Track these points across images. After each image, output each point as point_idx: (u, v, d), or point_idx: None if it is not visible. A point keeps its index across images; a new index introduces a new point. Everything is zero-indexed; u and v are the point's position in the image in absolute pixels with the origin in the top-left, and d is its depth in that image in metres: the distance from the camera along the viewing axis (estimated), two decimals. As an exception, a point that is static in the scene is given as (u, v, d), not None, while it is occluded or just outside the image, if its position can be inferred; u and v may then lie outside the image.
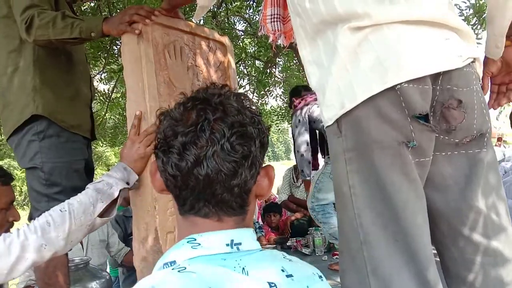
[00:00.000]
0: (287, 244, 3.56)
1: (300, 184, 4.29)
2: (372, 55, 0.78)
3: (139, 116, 1.32)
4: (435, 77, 0.78)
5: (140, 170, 1.30)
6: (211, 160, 0.55)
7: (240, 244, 0.58)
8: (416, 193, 0.80)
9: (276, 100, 6.24)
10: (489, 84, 0.99)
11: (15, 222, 1.30)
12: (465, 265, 0.86)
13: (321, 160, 2.97)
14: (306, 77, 4.09)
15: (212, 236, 0.57)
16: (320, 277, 0.64)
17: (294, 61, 5.93)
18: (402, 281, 0.78)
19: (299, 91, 2.81)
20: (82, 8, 3.14)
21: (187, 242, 0.57)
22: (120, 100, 4.56)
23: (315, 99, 2.53)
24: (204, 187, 0.56)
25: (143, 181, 1.32)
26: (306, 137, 2.62)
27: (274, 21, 1.11)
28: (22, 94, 1.50)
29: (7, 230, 1.27)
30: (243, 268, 0.55)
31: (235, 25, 5.04)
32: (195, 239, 0.57)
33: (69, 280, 1.53)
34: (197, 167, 0.55)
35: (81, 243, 2.54)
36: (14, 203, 1.31)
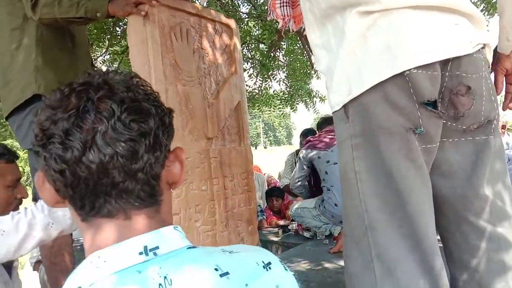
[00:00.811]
0: (288, 227, 3.60)
1: (302, 169, 4.31)
2: (381, 40, 0.78)
3: (144, 99, 1.32)
4: (444, 63, 0.78)
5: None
6: (102, 143, 0.46)
7: (157, 248, 0.49)
8: (422, 180, 0.80)
9: (279, 84, 6.20)
10: (504, 83, 0.95)
11: (23, 200, 1.32)
12: (469, 250, 0.87)
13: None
14: (309, 61, 4.09)
15: (118, 248, 0.48)
16: (267, 265, 0.55)
17: (298, 45, 5.87)
18: (406, 266, 0.79)
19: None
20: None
21: (90, 262, 0.49)
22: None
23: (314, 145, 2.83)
24: (99, 177, 0.47)
25: (149, 163, 1.33)
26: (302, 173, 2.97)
27: (283, 6, 1.09)
28: (24, 72, 1.50)
29: (16, 207, 1.29)
30: (165, 277, 0.46)
31: (239, 7, 4.97)
32: (99, 256, 0.48)
33: (74, 259, 1.56)
34: (86, 154, 0.46)
35: None
36: None
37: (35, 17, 1.40)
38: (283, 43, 5.56)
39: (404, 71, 0.75)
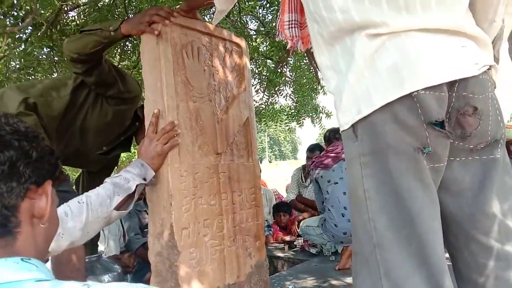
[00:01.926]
0: (294, 243, 3.58)
1: (309, 184, 4.31)
2: (389, 61, 0.80)
3: (157, 115, 1.35)
4: (451, 84, 0.80)
5: (157, 167, 1.34)
6: None
7: None
8: (431, 199, 0.82)
9: (285, 100, 6.24)
10: None
11: None
12: (477, 268, 0.88)
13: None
14: (315, 77, 4.14)
15: None
16: None
17: (305, 61, 5.93)
18: (414, 284, 0.80)
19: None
20: (99, 5, 3.19)
21: None
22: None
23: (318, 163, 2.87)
24: None
25: (159, 178, 1.35)
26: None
27: (291, 27, 1.13)
28: (17, 95, 1.59)
29: None
30: None
31: (247, 24, 5.06)
32: None
33: (85, 272, 1.58)
34: None
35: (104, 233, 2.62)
36: None
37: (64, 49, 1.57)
38: (290, 59, 5.63)
39: (412, 92, 0.77)
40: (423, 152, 0.79)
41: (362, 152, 0.85)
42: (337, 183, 2.68)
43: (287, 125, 6.13)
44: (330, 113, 6.03)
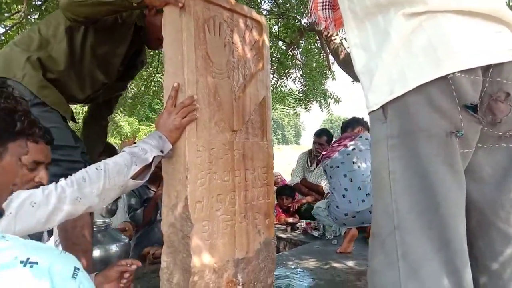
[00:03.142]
0: (297, 225, 3.63)
1: (314, 169, 4.33)
2: (425, 43, 0.80)
3: (176, 88, 1.35)
4: (486, 68, 0.79)
5: (175, 140, 1.34)
6: None
7: None
8: (459, 184, 0.82)
9: (294, 83, 6.20)
10: None
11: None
12: (494, 256, 0.89)
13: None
14: (326, 61, 4.10)
15: None
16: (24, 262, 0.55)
17: (316, 44, 5.86)
18: (431, 267, 0.81)
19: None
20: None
21: None
22: (142, 71, 4.59)
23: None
24: None
25: (176, 151, 1.36)
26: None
27: (325, 8, 1.12)
28: (25, 50, 1.58)
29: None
30: None
31: (261, 4, 4.99)
32: None
33: (93, 239, 1.61)
34: None
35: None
36: None
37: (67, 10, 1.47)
38: (301, 42, 5.57)
39: (448, 74, 0.77)
40: (456, 136, 0.79)
41: (390, 134, 0.85)
42: (338, 167, 2.78)
43: (294, 109, 6.10)
44: (339, 98, 6.00)
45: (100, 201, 1.19)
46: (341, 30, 4.41)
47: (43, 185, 1.19)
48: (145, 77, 4.64)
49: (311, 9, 1.15)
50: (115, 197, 1.25)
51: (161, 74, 5.02)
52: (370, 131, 0.94)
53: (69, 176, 1.17)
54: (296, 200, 4.15)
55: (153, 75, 4.73)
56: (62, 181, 1.16)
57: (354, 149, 2.81)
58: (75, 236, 1.55)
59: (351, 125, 3.19)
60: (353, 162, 2.74)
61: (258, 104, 1.63)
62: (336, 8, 1.12)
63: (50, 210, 1.09)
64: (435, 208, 0.82)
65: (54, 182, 1.15)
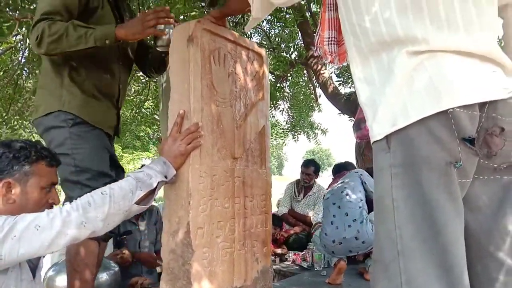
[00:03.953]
0: (285, 256, 3.60)
1: (301, 199, 4.36)
2: (426, 79, 0.86)
3: (182, 115, 1.39)
4: (482, 105, 0.86)
5: (179, 166, 1.37)
6: None
7: None
8: (458, 212, 0.87)
9: (282, 114, 6.34)
10: None
11: (54, 206, 1.35)
12: (490, 283, 0.93)
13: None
14: (313, 94, 4.26)
15: None
16: None
17: (304, 78, 6.06)
18: None
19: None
20: None
21: None
22: (133, 98, 4.62)
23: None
24: None
25: (180, 177, 1.38)
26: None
27: (331, 43, 1.19)
28: (53, 83, 1.57)
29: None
30: None
31: (251, 37, 5.16)
32: None
33: (96, 269, 1.57)
34: None
35: None
36: None
37: (41, 52, 1.44)
38: (289, 75, 5.75)
39: (448, 109, 0.83)
40: (455, 166, 0.85)
41: (393, 163, 0.90)
42: (328, 198, 2.86)
43: (283, 139, 6.20)
44: (326, 130, 6.15)
45: (104, 226, 1.18)
46: (329, 66, 4.59)
47: (56, 205, 1.20)
48: (136, 104, 4.66)
49: (317, 44, 1.23)
50: (119, 222, 1.25)
51: (151, 101, 5.07)
52: (374, 160, 0.99)
53: (74, 200, 1.17)
54: (284, 230, 4.14)
55: (143, 102, 4.77)
56: (67, 205, 1.16)
57: (343, 182, 2.93)
58: (77, 263, 1.52)
59: (344, 169, 3.40)
60: (341, 192, 2.82)
61: (258, 133, 1.68)
62: (340, 43, 1.20)
63: (54, 234, 1.09)
64: (437, 235, 0.86)
65: (59, 206, 1.15)
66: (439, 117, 0.84)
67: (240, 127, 1.59)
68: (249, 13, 1.28)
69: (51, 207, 1.34)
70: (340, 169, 3.46)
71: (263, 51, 1.76)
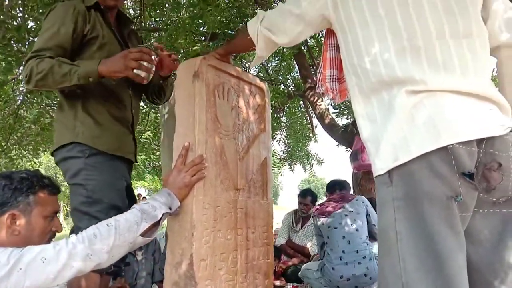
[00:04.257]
0: (284, 288, 3.54)
1: (299, 229, 4.33)
2: (426, 117, 0.91)
3: (187, 147, 1.42)
4: (480, 141, 0.91)
5: (183, 198, 1.38)
6: None
7: None
8: (460, 245, 0.89)
9: (278, 144, 6.40)
10: None
11: (57, 233, 1.35)
12: None
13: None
14: (310, 125, 4.32)
15: None
16: None
17: (300, 108, 6.17)
18: None
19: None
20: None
21: None
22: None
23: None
24: None
25: (183, 208, 1.40)
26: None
27: (332, 81, 1.25)
28: (67, 116, 1.60)
29: (49, 240, 1.32)
30: None
31: (249, 70, 5.30)
32: None
33: None
34: None
35: None
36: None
37: (30, 87, 1.51)
38: (285, 106, 5.86)
39: (447, 145, 0.87)
40: (456, 200, 0.88)
41: (396, 197, 0.93)
42: (336, 227, 2.78)
43: (279, 169, 6.23)
44: (322, 160, 6.20)
45: (109, 258, 1.19)
46: (326, 98, 4.69)
47: (59, 232, 1.21)
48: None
49: (318, 81, 1.28)
50: (124, 254, 1.25)
51: (150, 131, 5.11)
52: (377, 193, 1.02)
53: (79, 232, 1.18)
54: (282, 261, 4.09)
55: (142, 132, 4.81)
56: (73, 237, 1.16)
57: (352, 211, 2.85)
58: None
59: (340, 186, 3.29)
60: (352, 224, 2.78)
61: (260, 164, 1.71)
62: (341, 81, 1.26)
63: (61, 267, 1.09)
64: (440, 267, 0.88)
65: (65, 238, 1.16)
66: (439, 153, 0.88)
67: (243, 159, 1.62)
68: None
69: (54, 235, 1.34)
70: (335, 186, 3.34)
71: (264, 85, 1.82)
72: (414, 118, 0.93)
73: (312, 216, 3.12)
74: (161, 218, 1.31)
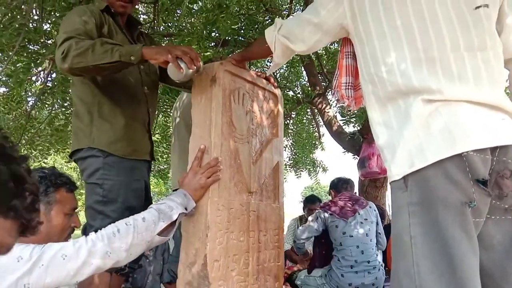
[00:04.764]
0: (289, 294, 3.55)
1: (305, 236, 4.34)
2: (442, 124, 0.94)
3: (203, 150, 1.46)
4: (493, 149, 0.93)
5: (198, 199, 1.42)
6: None
7: None
8: (473, 249, 0.92)
9: (285, 150, 6.42)
10: None
11: (75, 229, 1.39)
12: None
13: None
14: (318, 133, 4.33)
15: None
16: None
17: (307, 116, 6.20)
18: None
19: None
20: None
21: None
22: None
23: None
24: None
25: (198, 209, 1.43)
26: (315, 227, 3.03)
27: (348, 88, 1.29)
28: (83, 123, 1.62)
29: (68, 236, 1.36)
30: None
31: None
32: None
33: None
34: None
35: None
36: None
37: (64, 66, 1.41)
38: (292, 113, 5.90)
39: (462, 153, 0.90)
40: (469, 206, 0.91)
41: (411, 202, 0.96)
42: (352, 236, 2.77)
43: (284, 176, 6.25)
44: (327, 168, 6.21)
45: (127, 256, 1.22)
46: (334, 105, 4.74)
47: (77, 228, 1.23)
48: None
49: (334, 88, 1.32)
50: (141, 253, 1.28)
51: (158, 134, 5.16)
52: (392, 198, 1.05)
53: (99, 230, 1.21)
54: (287, 267, 4.09)
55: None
56: (92, 234, 1.19)
57: (367, 219, 2.84)
58: None
59: (346, 184, 3.27)
60: (367, 235, 2.78)
61: (272, 169, 1.74)
62: (357, 88, 1.29)
63: (80, 264, 1.12)
64: (453, 270, 0.90)
65: (84, 236, 1.19)
66: (454, 159, 0.91)
67: (256, 163, 1.65)
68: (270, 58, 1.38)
69: (73, 231, 1.38)
70: (342, 184, 3.30)
71: (278, 91, 1.86)
72: (430, 125, 0.96)
73: (321, 209, 3.05)
74: (177, 219, 1.34)
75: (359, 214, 2.85)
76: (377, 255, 2.73)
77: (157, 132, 4.89)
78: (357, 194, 3.34)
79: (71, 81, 1.71)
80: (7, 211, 0.58)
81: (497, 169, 0.94)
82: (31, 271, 1.05)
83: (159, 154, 5.30)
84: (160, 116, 4.65)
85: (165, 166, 7.05)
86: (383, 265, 2.76)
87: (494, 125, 0.95)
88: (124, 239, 1.20)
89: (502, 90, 1.02)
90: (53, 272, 1.08)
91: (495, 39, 1.04)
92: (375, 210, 2.94)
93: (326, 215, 2.96)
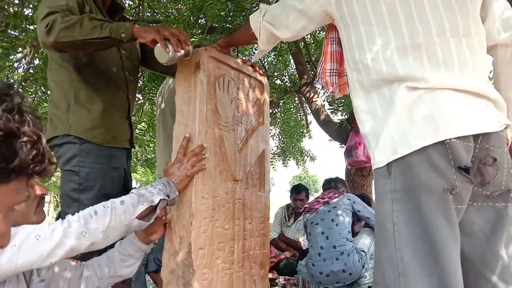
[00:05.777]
0: (276, 281, 3.59)
1: (292, 224, 4.37)
2: (425, 111, 0.94)
3: (188, 138, 1.44)
4: (476, 136, 0.94)
5: (182, 188, 1.40)
6: None
7: None
8: (454, 236, 0.92)
9: (273, 139, 6.42)
10: None
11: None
12: None
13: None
14: (305, 121, 4.35)
15: None
16: None
17: (295, 104, 6.20)
18: None
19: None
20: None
21: None
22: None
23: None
24: None
25: (182, 198, 1.41)
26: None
27: (332, 75, 1.27)
28: (59, 109, 1.59)
29: (39, 205, 1.28)
30: None
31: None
32: None
33: None
34: None
35: None
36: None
37: (49, 39, 1.33)
38: (280, 101, 5.88)
39: (445, 140, 0.90)
40: (451, 193, 0.91)
41: (394, 189, 0.96)
42: (317, 223, 2.83)
43: (272, 164, 6.25)
44: (315, 157, 6.24)
45: (104, 238, 1.20)
46: (321, 94, 4.73)
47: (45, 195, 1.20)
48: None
49: (319, 74, 1.30)
50: (119, 237, 1.26)
51: (144, 122, 5.10)
52: (375, 186, 1.05)
53: (76, 213, 1.19)
54: (273, 255, 4.13)
55: (137, 123, 4.80)
56: (69, 216, 1.17)
57: (336, 207, 2.89)
58: None
59: (335, 183, 3.36)
60: (332, 220, 2.82)
61: (258, 157, 1.72)
62: (341, 75, 1.28)
63: (54, 244, 1.09)
64: (435, 256, 0.91)
65: (60, 219, 1.17)
66: (437, 146, 0.91)
67: (241, 151, 1.63)
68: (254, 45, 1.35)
69: (42, 200, 1.31)
70: (330, 184, 3.46)
71: (264, 79, 1.84)
72: (413, 112, 0.95)
73: (302, 214, 3.19)
74: (158, 205, 1.32)
75: (328, 204, 2.89)
76: (348, 240, 2.72)
77: (143, 120, 4.83)
78: (345, 184, 3.40)
79: (48, 66, 1.65)
80: (7, 177, 0.52)
81: (480, 156, 0.95)
82: (2, 251, 1.02)
83: (146, 143, 5.24)
84: (147, 104, 4.58)
85: (152, 155, 6.99)
86: (365, 252, 2.77)
87: (478, 113, 0.95)
88: (101, 221, 1.18)
89: (486, 77, 1.02)
90: (26, 253, 1.05)
91: (478, 25, 1.03)
92: (349, 199, 2.94)
93: (305, 216, 3.08)
